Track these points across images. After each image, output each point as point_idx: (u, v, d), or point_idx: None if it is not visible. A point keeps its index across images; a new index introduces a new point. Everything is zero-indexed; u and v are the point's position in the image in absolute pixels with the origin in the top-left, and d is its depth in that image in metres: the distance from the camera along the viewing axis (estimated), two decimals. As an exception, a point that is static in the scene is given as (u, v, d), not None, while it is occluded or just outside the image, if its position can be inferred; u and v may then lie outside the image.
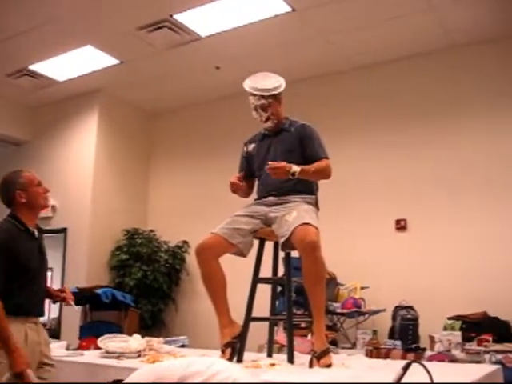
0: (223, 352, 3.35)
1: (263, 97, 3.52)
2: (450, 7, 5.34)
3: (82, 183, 7.26)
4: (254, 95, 3.56)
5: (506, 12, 5.38)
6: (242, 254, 3.49)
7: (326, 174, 3.49)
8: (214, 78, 6.90)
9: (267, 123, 3.60)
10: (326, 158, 3.51)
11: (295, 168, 3.26)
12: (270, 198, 3.51)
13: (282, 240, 3.27)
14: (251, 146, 3.76)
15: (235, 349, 3.35)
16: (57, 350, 3.78)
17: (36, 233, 3.17)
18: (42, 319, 3.19)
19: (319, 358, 3.03)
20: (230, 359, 3.29)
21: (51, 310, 6.43)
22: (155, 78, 7.00)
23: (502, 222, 5.47)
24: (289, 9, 5.38)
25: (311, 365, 3.04)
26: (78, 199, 7.21)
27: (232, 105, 7.12)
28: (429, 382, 1.70)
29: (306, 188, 3.50)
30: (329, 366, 3.01)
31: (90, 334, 5.40)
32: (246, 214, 3.51)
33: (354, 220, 6.17)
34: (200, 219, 6.33)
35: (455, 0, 5.21)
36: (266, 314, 3.71)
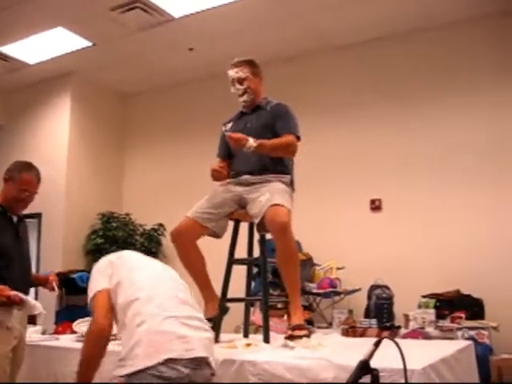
0: None
1: (239, 68, 3.57)
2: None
3: (55, 167, 7.17)
4: (232, 68, 3.61)
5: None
6: (217, 236, 3.52)
7: (288, 150, 3.47)
8: (187, 59, 6.83)
9: (243, 97, 3.61)
10: (295, 135, 3.50)
11: (251, 142, 3.28)
12: (245, 177, 3.51)
13: (256, 221, 3.29)
14: (229, 125, 3.78)
15: (215, 326, 3.39)
16: (32, 334, 3.77)
17: (15, 219, 3.19)
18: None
19: (294, 329, 3.07)
20: None
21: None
22: (128, 60, 6.92)
23: (475, 202, 5.52)
24: (262, -11, 5.35)
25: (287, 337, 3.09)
26: (52, 184, 7.10)
27: (207, 86, 7.08)
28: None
29: (281, 167, 3.51)
30: (302, 336, 3.05)
31: (65, 318, 5.35)
32: (219, 196, 3.52)
33: (330, 200, 6.20)
34: (176, 202, 6.29)
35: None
36: (242, 294, 3.73)
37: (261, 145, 3.32)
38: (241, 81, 3.59)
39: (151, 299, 2.28)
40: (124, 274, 2.43)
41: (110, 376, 2.30)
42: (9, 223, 3.17)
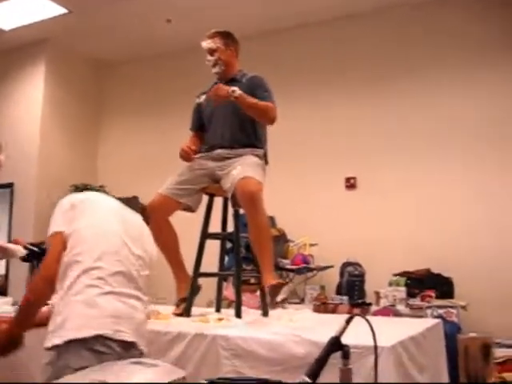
0: (177, 306, 3.44)
1: (212, 39, 3.57)
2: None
3: (28, 137, 7.05)
4: (205, 39, 3.60)
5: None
6: (191, 210, 3.53)
7: (267, 113, 3.43)
8: (165, 30, 6.73)
9: (215, 68, 3.60)
10: (272, 102, 3.49)
11: (236, 90, 3.28)
12: (218, 151, 3.50)
13: (229, 195, 3.29)
14: (203, 97, 3.75)
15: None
16: (2, 306, 3.73)
17: None
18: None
19: (273, 288, 3.08)
20: (183, 314, 3.35)
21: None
22: (105, 29, 6.79)
23: (446, 181, 5.57)
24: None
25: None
26: (25, 154, 7.00)
27: (185, 59, 6.99)
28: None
29: (253, 141, 3.50)
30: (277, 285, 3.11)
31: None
32: (192, 172, 3.50)
33: (304, 177, 6.20)
34: (151, 175, 6.22)
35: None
36: (215, 269, 3.73)
37: (242, 96, 3.29)
38: (211, 51, 3.58)
39: (94, 268, 2.16)
40: (79, 225, 2.28)
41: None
42: None
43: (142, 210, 2.63)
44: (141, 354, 2.19)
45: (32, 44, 7.13)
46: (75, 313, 2.09)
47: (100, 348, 2.04)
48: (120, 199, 2.54)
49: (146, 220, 2.60)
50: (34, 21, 6.56)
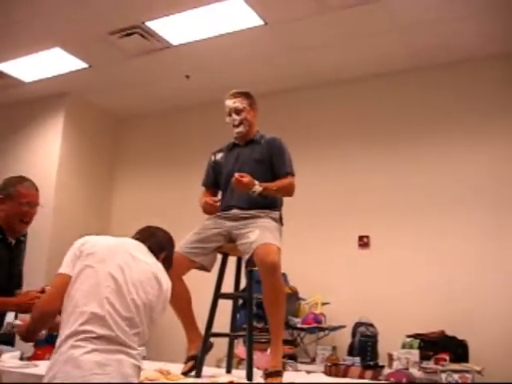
0: (185, 363, 3.40)
1: (238, 98, 3.61)
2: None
3: (44, 187, 6.95)
4: (230, 98, 3.62)
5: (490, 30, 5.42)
6: (206, 269, 3.51)
7: (288, 191, 3.51)
8: (183, 86, 6.85)
9: (239, 128, 3.61)
10: (292, 174, 3.52)
11: (257, 188, 3.28)
12: (234, 211, 3.50)
13: (245, 257, 3.27)
14: (219, 155, 3.77)
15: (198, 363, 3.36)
16: (9, 360, 3.69)
17: (13, 244, 3.05)
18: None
19: (269, 376, 3.04)
20: (190, 371, 3.34)
21: (7, 314, 6.25)
22: (124, 84, 6.93)
23: (462, 242, 5.53)
24: (261, 22, 5.39)
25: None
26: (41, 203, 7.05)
27: (201, 114, 7.11)
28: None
29: (270, 203, 3.50)
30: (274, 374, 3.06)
31: (46, 342, 5.27)
32: (208, 231, 3.50)
33: (317, 235, 6.17)
34: (166, 227, 6.24)
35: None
36: (227, 327, 3.69)
37: (266, 188, 3.32)
38: (238, 111, 3.60)
39: (81, 331, 2.21)
40: (75, 271, 2.34)
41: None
42: (6, 253, 3.02)
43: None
44: None
45: (51, 96, 7.27)
46: (62, 372, 2.16)
47: None
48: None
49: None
50: (54, 74, 6.71)
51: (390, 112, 6.20)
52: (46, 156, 7.32)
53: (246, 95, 3.67)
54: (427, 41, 5.61)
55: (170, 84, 6.85)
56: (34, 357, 4.55)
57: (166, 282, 2.48)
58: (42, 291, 2.89)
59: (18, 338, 6.63)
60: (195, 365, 3.36)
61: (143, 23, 5.52)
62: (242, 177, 3.29)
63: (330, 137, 6.44)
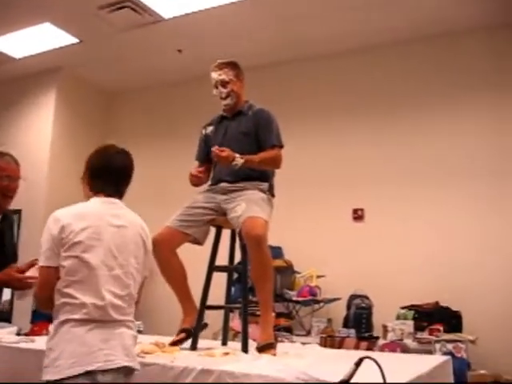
0: (177, 335, 3.41)
1: (223, 70, 3.54)
2: None
3: (37, 164, 7.08)
4: (215, 70, 3.56)
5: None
6: (198, 243, 3.51)
7: (274, 163, 3.48)
8: (175, 60, 6.80)
9: (227, 100, 3.57)
10: (279, 146, 3.49)
11: (238, 160, 3.26)
12: (223, 184, 3.49)
13: (237, 231, 3.28)
14: (209, 129, 3.75)
15: (189, 336, 3.36)
16: (6, 335, 3.71)
17: None
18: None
19: (261, 350, 3.06)
20: (179, 342, 3.35)
21: (3, 292, 6.27)
22: (116, 59, 6.87)
23: (456, 213, 5.56)
24: (253, -7, 5.34)
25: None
26: (34, 181, 7.01)
27: (193, 88, 7.04)
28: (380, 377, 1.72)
29: (260, 174, 3.48)
30: (266, 346, 3.07)
31: (42, 318, 5.29)
32: (199, 205, 3.49)
33: (312, 208, 6.18)
34: (159, 204, 6.23)
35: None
36: (222, 300, 3.70)
37: (248, 161, 3.29)
38: (224, 83, 3.55)
39: (81, 305, 2.25)
40: (62, 262, 2.33)
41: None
42: None
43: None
44: (134, 370, 2.37)
45: (43, 72, 7.21)
46: (67, 352, 2.20)
47: (95, 378, 2.19)
48: None
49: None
50: (45, 49, 6.64)
51: (387, 82, 6.17)
52: (39, 132, 7.29)
53: (231, 66, 3.59)
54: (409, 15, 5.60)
55: (162, 58, 6.80)
56: (31, 332, 4.56)
57: (148, 240, 2.56)
58: (32, 265, 2.87)
59: (14, 314, 6.69)
60: (185, 338, 3.37)
61: (134, -3, 5.46)
62: (221, 151, 3.27)
63: (323, 109, 6.42)
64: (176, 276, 3.47)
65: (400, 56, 6.15)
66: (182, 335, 3.39)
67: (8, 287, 2.99)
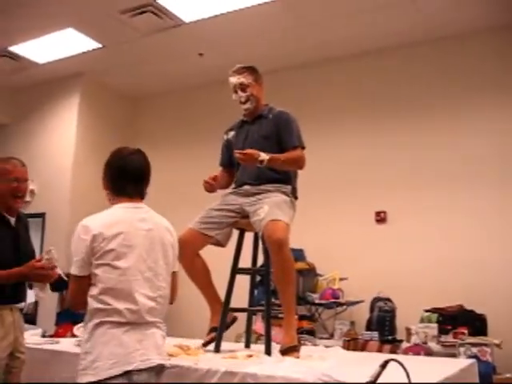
0: (207, 334, 3.45)
1: (242, 74, 3.53)
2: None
3: (61, 168, 7.17)
4: (234, 75, 3.56)
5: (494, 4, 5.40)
6: (221, 245, 3.52)
7: (297, 164, 3.46)
8: (197, 64, 6.83)
9: (246, 104, 3.57)
10: (301, 147, 3.49)
11: (264, 156, 3.25)
12: (246, 187, 3.50)
13: (259, 234, 3.28)
14: (231, 134, 3.76)
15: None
16: (32, 337, 3.74)
17: (12, 221, 3.11)
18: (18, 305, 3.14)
19: (284, 353, 3.05)
20: (210, 342, 3.39)
21: (28, 294, 6.35)
22: (138, 63, 6.92)
23: (480, 216, 5.50)
24: (273, -4, 5.34)
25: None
26: (58, 184, 7.12)
27: (215, 92, 7.04)
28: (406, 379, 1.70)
29: (283, 177, 3.48)
30: (289, 349, 3.06)
31: (67, 320, 5.36)
32: (222, 207, 3.51)
33: (335, 210, 6.16)
34: (183, 206, 6.26)
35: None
36: (245, 303, 3.71)
37: (272, 159, 3.29)
38: (243, 88, 3.55)
39: (116, 310, 2.31)
40: (102, 262, 2.38)
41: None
42: (6, 229, 3.09)
43: None
44: (165, 368, 2.49)
45: (66, 77, 7.30)
46: (105, 353, 2.26)
47: (131, 378, 2.26)
48: None
49: None
50: (68, 55, 6.72)
51: (410, 86, 6.12)
52: (63, 137, 7.36)
53: (250, 70, 3.59)
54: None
55: (184, 62, 6.84)
56: (56, 334, 4.62)
57: (175, 240, 2.64)
58: (40, 260, 2.98)
59: (39, 316, 6.77)
60: (216, 336, 3.41)
61: (155, 1, 5.49)
62: (243, 152, 3.28)
63: (346, 111, 6.38)
64: (200, 277, 3.51)
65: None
66: (213, 335, 3.42)
67: (29, 280, 3.02)
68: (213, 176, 3.59)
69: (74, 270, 2.37)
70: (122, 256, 2.35)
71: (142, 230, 2.45)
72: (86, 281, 2.35)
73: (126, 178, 2.56)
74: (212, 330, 3.47)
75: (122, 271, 2.33)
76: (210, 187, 3.56)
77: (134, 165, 2.60)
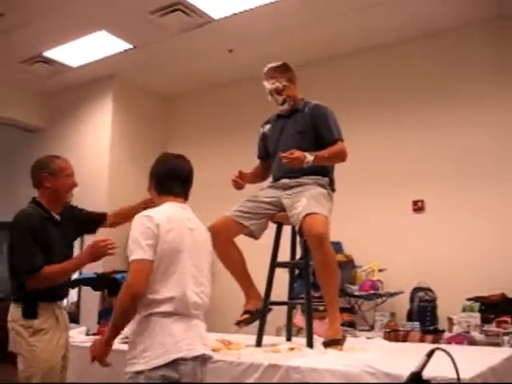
0: (241, 316, 3.49)
1: (275, 78, 3.53)
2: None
3: (97, 170, 7.25)
4: (268, 79, 3.55)
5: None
6: (254, 236, 3.52)
7: (340, 157, 3.47)
8: (227, 60, 6.84)
9: (284, 106, 3.60)
10: (341, 140, 3.48)
11: (309, 157, 3.26)
12: (284, 180, 3.51)
13: (297, 228, 3.28)
14: (267, 127, 3.78)
15: (252, 318, 3.45)
16: (77, 335, 3.82)
17: (58, 218, 3.17)
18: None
19: (327, 345, 3.05)
20: (243, 322, 3.45)
21: (70, 293, 6.47)
22: (169, 62, 6.96)
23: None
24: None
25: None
26: (94, 186, 7.20)
27: (247, 87, 7.05)
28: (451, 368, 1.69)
29: (320, 169, 3.48)
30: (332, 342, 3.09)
31: (108, 318, 5.42)
32: (259, 199, 3.52)
33: (372, 201, 6.08)
34: (217, 204, 6.26)
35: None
36: (284, 296, 3.72)
37: (317, 158, 3.29)
38: (279, 91, 3.56)
39: (166, 300, 2.38)
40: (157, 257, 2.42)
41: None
42: (57, 229, 3.14)
43: None
44: (209, 358, 2.53)
45: (99, 79, 7.38)
46: (156, 343, 2.32)
47: (178, 368, 2.32)
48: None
49: None
50: (100, 57, 6.80)
51: (445, 73, 6.01)
52: (98, 138, 7.46)
53: (283, 70, 3.59)
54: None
55: (214, 59, 6.83)
56: (99, 332, 4.69)
57: (210, 239, 2.74)
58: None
59: (81, 315, 6.87)
60: (249, 319, 3.43)
61: (184, -1, 5.52)
62: (290, 155, 3.27)
63: (381, 101, 6.29)
64: (235, 264, 3.53)
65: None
66: (246, 316, 3.46)
67: (93, 260, 3.19)
68: (238, 174, 3.60)
69: (140, 255, 2.34)
70: (175, 250, 2.42)
71: (188, 229, 2.54)
72: (149, 266, 2.35)
73: (174, 178, 2.68)
74: (246, 312, 3.49)
75: (174, 264, 2.40)
76: (238, 185, 3.60)
77: (181, 167, 2.74)
